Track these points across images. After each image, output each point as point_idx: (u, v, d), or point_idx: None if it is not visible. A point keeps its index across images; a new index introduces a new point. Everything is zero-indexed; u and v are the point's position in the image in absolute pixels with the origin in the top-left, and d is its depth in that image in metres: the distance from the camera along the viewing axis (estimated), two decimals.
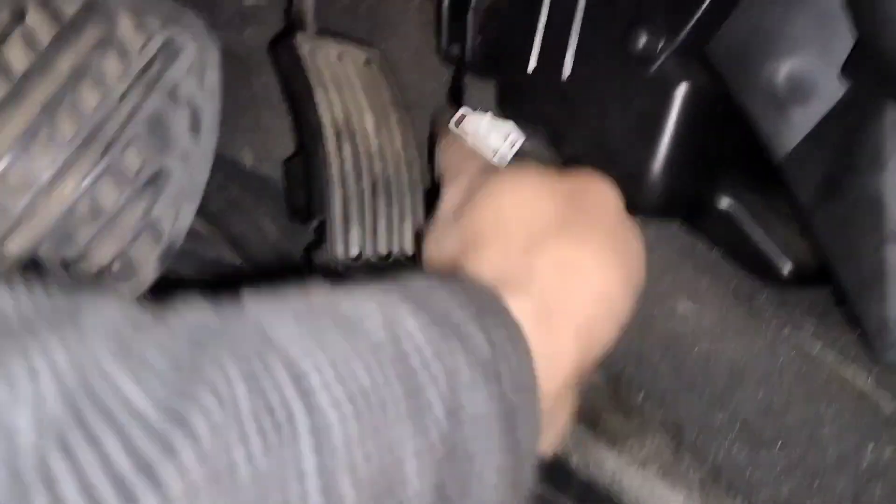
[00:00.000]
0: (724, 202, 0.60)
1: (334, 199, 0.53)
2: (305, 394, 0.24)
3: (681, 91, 0.55)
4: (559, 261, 0.40)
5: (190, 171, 0.50)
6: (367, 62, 0.62)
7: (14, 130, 0.45)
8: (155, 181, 0.50)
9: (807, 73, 0.52)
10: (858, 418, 0.51)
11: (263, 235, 0.67)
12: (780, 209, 0.58)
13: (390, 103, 0.60)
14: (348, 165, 0.56)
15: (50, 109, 0.46)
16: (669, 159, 0.56)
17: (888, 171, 0.48)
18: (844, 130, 0.50)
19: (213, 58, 0.51)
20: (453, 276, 0.38)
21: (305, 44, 0.58)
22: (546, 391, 0.34)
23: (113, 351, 0.22)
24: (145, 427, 0.21)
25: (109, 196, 0.49)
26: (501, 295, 0.36)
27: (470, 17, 0.68)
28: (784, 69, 0.53)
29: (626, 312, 0.43)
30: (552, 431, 0.40)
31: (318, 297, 0.29)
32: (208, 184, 0.60)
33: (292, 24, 0.61)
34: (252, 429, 0.23)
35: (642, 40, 0.55)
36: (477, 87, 0.71)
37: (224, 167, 0.66)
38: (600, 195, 0.48)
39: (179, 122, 0.49)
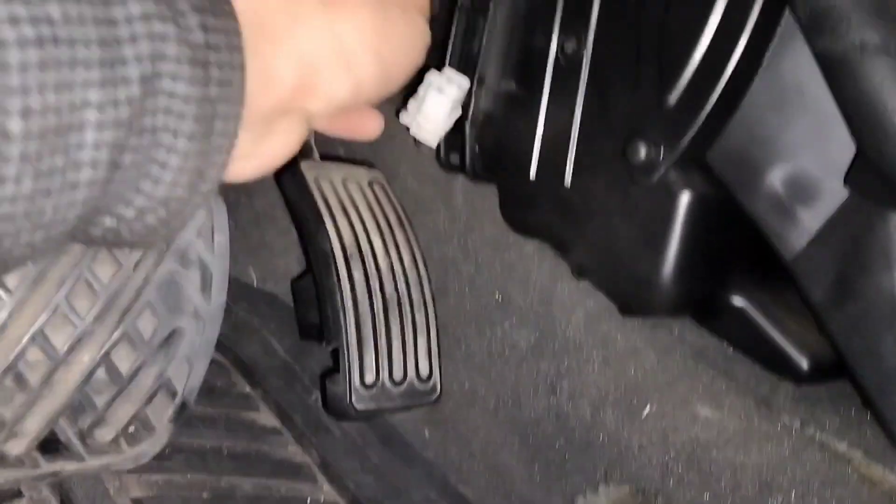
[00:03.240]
0: (737, 300, 0.60)
1: (348, 326, 0.53)
2: None
3: (684, 200, 0.55)
4: None
5: (202, 328, 0.51)
6: (371, 183, 0.62)
7: (33, 309, 0.46)
8: (169, 342, 0.52)
9: (808, 177, 0.53)
10: None
11: (273, 356, 0.67)
12: (794, 305, 0.58)
13: (396, 222, 0.61)
14: (360, 288, 0.56)
15: (67, 286, 0.47)
16: (678, 264, 0.57)
17: None
18: (851, 231, 0.51)
19: (222, 220, 0.52)
20: None
21: (311, 171, 0.59)
22: (254, 104, 0.33)
23: None
24: None
25: (125, 361, 0.50)
26: None
27: (467, 127, 0.69)
28: (785, 173, 0.53)
29: (366, 78, 0.39)
30: (260, 151, 0.37)
31: None
32: None
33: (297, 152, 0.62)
34: None
35: (642, 151, 0.56)
36: None
37: (230, 288, 0.66)
38: None
39: (191, 284, 0.50)
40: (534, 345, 0.66)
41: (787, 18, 0.51)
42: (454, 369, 0.69)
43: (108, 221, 0.31)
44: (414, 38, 0.42)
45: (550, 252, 0.67)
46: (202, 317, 0.51)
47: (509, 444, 0.65)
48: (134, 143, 0.28)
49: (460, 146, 0.72)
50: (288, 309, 0.70)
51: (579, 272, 0.63)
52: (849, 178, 0.49)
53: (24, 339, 0.47)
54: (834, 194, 0.52)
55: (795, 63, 0.51)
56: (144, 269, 0.49)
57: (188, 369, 0.52)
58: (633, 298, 0.60)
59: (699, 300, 0.61)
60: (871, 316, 0.50)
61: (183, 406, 0.52)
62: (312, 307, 0.59)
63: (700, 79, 0.53)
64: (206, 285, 0.51)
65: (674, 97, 0.54)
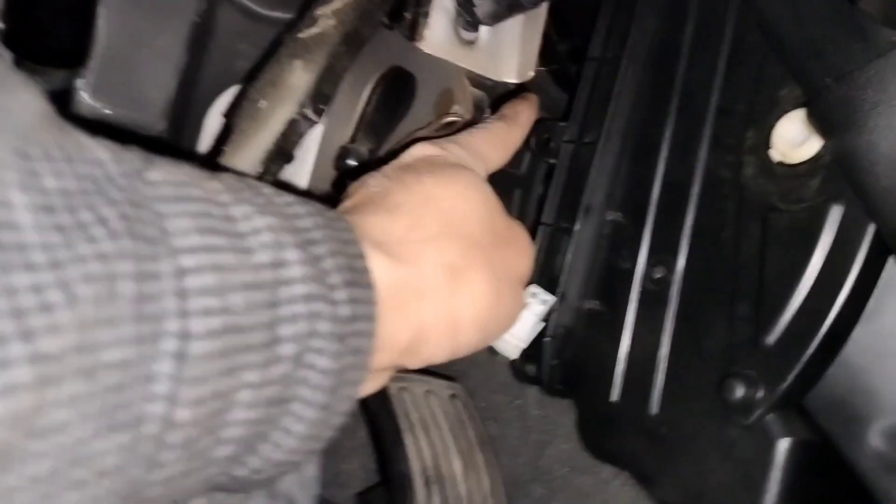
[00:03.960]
0: None
1: None
2: (182, 294, 0.24)
3: (783, 446, 0.53)
4: (446, 265, 0.39)
5: None
6: (453, 397, 0.61)
7: None
8: None
9: None
10: None
11: None
12: None
13: (476, 443, 0.59)
14: None
15: None
16: None
17: None
18: None
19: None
20: (339, 215, 0.35)
21: (394, 382, 0.58)
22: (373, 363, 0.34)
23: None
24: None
25: None
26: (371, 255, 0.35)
27: (547, 341, 0.69)
28: (889, 428, 0.51)
29: (466, 345, 0.43)
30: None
31: (215, 189, 0.28)
32: None
33: None
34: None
35: (739, 391, 0.54)
36: None
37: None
38: (521, 254, 0.48)
39: None
40: None
41: (892, 265, 0.51)
42: None
43: (220, 478, 0.30)
44: (516, 309, 0.47)
45: (630, 481, 0.64)
46: None
47: None
48: (272, 415, 0.28)
49: (538, 358, 0.71)
50: None
51: None
52: None
53: None
54: None
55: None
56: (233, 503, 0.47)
57: None
58: None
59: None
60: None
61: None
62: None
63: (801, 322, 0.52)
64: None
65: (773, 338, 0.53)
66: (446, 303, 0.39)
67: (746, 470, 0.54)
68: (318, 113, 0.46)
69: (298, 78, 0.46)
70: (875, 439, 0.51)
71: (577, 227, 0.68)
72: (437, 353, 0.40)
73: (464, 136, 0.50)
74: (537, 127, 0.73)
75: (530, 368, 0.72)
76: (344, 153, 0.61)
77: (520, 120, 0.57)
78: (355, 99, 0.62)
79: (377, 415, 0.57)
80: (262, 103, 0.47)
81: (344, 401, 0.31)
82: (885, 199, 0.45)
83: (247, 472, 0.30)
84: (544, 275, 0.71)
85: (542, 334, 0.68)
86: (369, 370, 0.33)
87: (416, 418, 0.57)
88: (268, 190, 0.31)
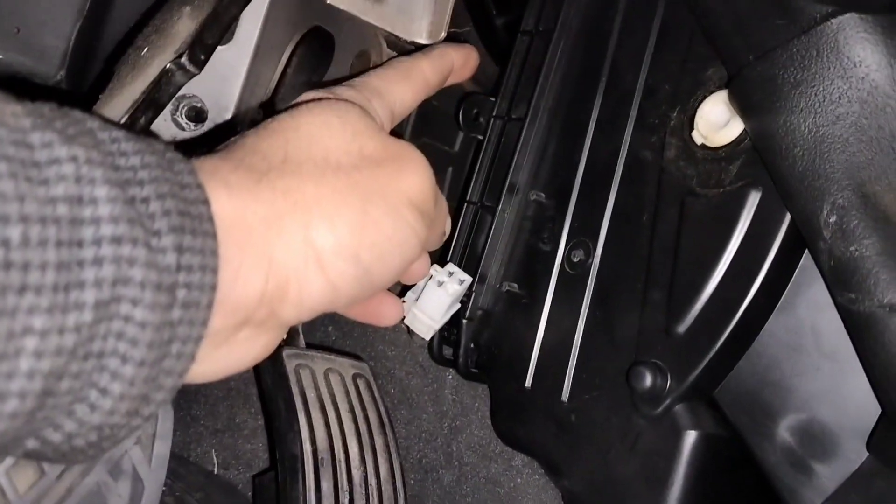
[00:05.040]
0: None
1: None
2: None
3: (689, 439, 0.51)
4: (296, 192, 0.35)
5: None
6: (356, 377, 0.58)
7: None
8: None
9: (825, 431, 0.49)
10: None
11: None
12: None
13: (377, 425, 0.56)
14: (327, 497, 0.50)
15: None
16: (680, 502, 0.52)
17: None
18: (872, 497, 0.46)
19: (167, 427, 0.48)
20: (181, 157, 0.31)
21: (292, 359, 0.55)
22: (216, 316, 0.30)
23: None
24: None
25: None
26: (217, 195, 0.31)
27: (464, 323, 0.66)
28: (800, 423, 0.50)
29: (342, 281, 0.37)
30: (216, 357, 0.34)
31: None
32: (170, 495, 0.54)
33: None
34: None
35: (647, 379, 0.52)
36: None
37: (187, 473, 0.60)
38: (402, 173, 0.41)
39: (119, 499, 0.45)
40: None
41: (807, 258, 0.49)
42: None
43: (31, 444, 0.27)
44: (401, 236, 0.40)
45: (541, 470, 0.62)
46: None
47: None
48: (75, 369, 0.25)
49: (455, 341, 0.68)
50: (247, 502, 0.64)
51: (570, 500, 0.58)
52: (872, 445, 0.44)
53: None
54: (853, 453, 0.47)
55: (814, 307, 0.49)
56: (70, 478, 0.43)
57: None
58: None
59: None
60: None
61: None
62: None
63: (712, 311, 0.50)
64: (135, 499, 0.45)
65: (683, 326, 0.51)
66: (301, 234, 0.34)
67: (652, 462, 0.52)
68: (198, 64, 0.43)
69: (183, 25, 0.42)
70: (784, 434, 0.50)
71: (500, 206, 0.65)
72: (308, 293, 0.35)
73: (357, 78, 0.46)
74: (466, 101, 0.71)
75: (447, 351, 0.69)
76: (258, 116, 0.58)
77: (432, 55, 0.52)
78: (276, 59, 0.59)
79: (272, 391, 0.54)
80: (145, 51, 0.43)
81: (174, 359, 0.28)
82: (802, 184, 0.43)
83: (62, 437, 0.27)
84: (466, 254, 0.68)
85: (459, 315, 0.66)
86: (206, 325, 0.29)
87: (312, 397, 0.54)
88: (95, 124, 0.27)
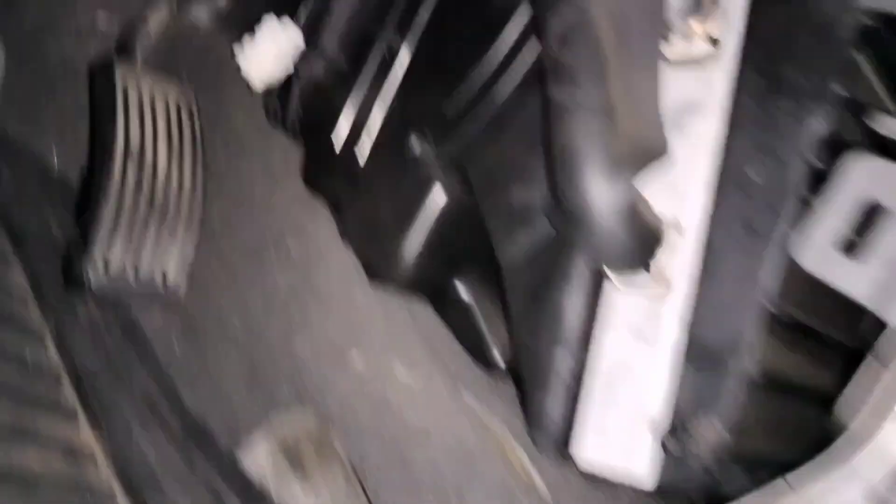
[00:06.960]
0: (464, 295, 0.69)
1: (104, 210, 0.58)
2: None
3: (437, 195, 0.64)
4: None
5: None
6: (179, 100, 0.68)
7: None
8: None
9: (533, 204, 0.61)
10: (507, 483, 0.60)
11: (45, 230, 0.70)
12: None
13: (189, 142, 0.66)
14: (129, 187, 0.60)
15: None
16: (418, 247, 0.65)
17: (570, 292, 0.57)
18: (549, 256, 0.60)
19: None
20: None
21: (123, 71, 0.63)
22: None
23: None
24: None
25: None
26: None
27: (295, 85, 0.76)
28: (520, 196, 0.62)
29: None
30: None
31: None
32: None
33: (119, 50, 0.66)
34: None
35: (417, 148, 0.64)
36: None
37: (26, 163, 0.69)
38: None
39: None
40: (290, 286, 0.73)
41: None
42: (218, 294, 0.75)
43: None
44: None
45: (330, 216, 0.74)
46: None
47: (236, 363, 0.72)
48: None
49: (284, 101, 0.78)
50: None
51: (343, 233, 0.71)
52: (545, 211, 0.58)
53: None
54: (547, 224, 0.61)
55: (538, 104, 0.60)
56: None
57: None
58: (376, 267, 0.68)
59: (432, 286, 0.69)
60: (542, 321, 0.59)
61: None
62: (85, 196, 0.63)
63: (474, 100, 0.61)
64: None
65: (451, 110, 0.63)
66: None
67: (405, 210, 0.65)
68: None
69: None
70: (508, 203, 0.62)
71: None
72: None
73: None
74: None
75: (275, 104, 0.79)
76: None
77: None
78: None
79: (98, 93, 0.63)
80: None
81: None
82: None
83: None
84: (308, 20, 0.76)
85: (292, 78, 0.75)
86: None
87: (134, 103, 0.63)
88: None
